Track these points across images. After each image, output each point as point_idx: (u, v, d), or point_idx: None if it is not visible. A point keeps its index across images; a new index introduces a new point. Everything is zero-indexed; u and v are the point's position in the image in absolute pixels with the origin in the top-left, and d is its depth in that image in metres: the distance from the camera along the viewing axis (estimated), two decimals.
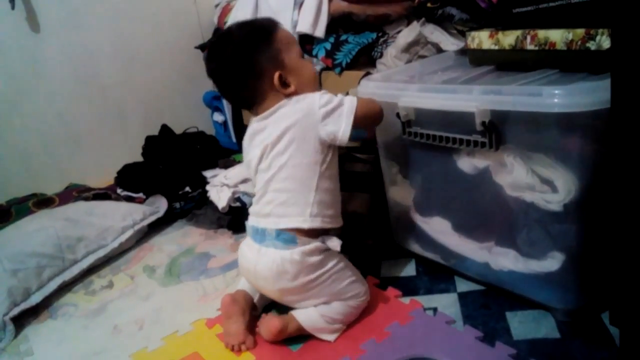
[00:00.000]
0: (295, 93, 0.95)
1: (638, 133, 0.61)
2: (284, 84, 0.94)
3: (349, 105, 0.93)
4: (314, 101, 0.93)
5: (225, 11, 1.93)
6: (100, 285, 1.29)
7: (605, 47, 0.81)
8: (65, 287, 1.29)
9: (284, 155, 0.93)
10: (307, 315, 0.93)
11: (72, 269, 1.30)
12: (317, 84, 1.03)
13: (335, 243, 0.93)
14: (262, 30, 0.96)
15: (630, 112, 0.61)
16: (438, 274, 1.07)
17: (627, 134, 0.62)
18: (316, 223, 0.92)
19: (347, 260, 0.98)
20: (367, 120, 0.99)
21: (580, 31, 0.85)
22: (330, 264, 0.92)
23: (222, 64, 0.96)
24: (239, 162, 1.71)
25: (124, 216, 1.44)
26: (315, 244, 0.91)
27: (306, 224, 0.91)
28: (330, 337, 0.93)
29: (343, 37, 1.47)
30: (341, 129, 0.92)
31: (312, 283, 0.91)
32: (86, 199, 1.57)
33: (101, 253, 1.36)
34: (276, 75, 0.93)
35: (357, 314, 0.96)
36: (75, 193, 1.65)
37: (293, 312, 0.95)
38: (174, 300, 1.16)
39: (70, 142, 1.91)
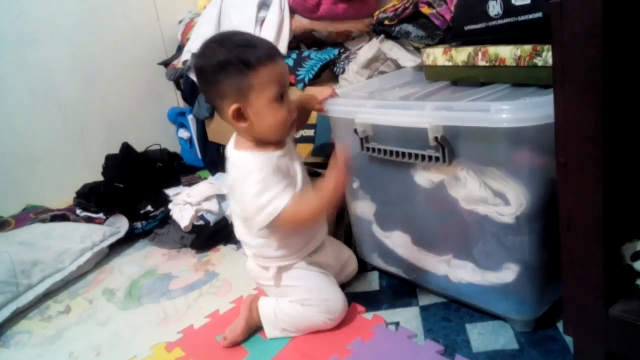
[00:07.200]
0: (251, 131, 0.90)
1: (580, 146, 0.63)
2: (241, 117, 0.89)
3: (268, 213, 0.87)
4: (245, 182, 0.89)
5: (189, 27, 1.92)
6: (57, 310, 1.24)
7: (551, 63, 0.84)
8: (20, 314, 1.24)
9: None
10: (264, 301, 1.01)
11: (27, 294, 1.25)
12: (282, 132, 0.92)
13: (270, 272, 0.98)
14: (246, 57, 0.86)
15: (573, 125, 0.63)
16: (401, 287, 1.07)
17: (571, 146, 0.64)
18: (259, 261, 0.99)
19: (318, 284, 0.98)
20: (287, 229, 0.92)
21: (528, 47, 0.87)
22: (282, 281, 0.98)
23: (198, 65, 0.91)
24: (204, 179, 1.69)
25: (82, 238, 1.40)
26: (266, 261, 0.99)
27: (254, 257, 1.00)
28: (270, 332, 0.98)
29: (305, 54, 1.48)
30: (257, 225, 0.91)
31: (262, 284, 1.03)
32: (43, 220, 1.52)
33: (58, 277, 1.31)
34: (232, 107, 0.88)
35: (313, 327, 0.96)
36: (33, 215, 1.59)
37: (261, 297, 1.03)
38: (133, 324, 1.13)
39: (29, 162, 1.85)
